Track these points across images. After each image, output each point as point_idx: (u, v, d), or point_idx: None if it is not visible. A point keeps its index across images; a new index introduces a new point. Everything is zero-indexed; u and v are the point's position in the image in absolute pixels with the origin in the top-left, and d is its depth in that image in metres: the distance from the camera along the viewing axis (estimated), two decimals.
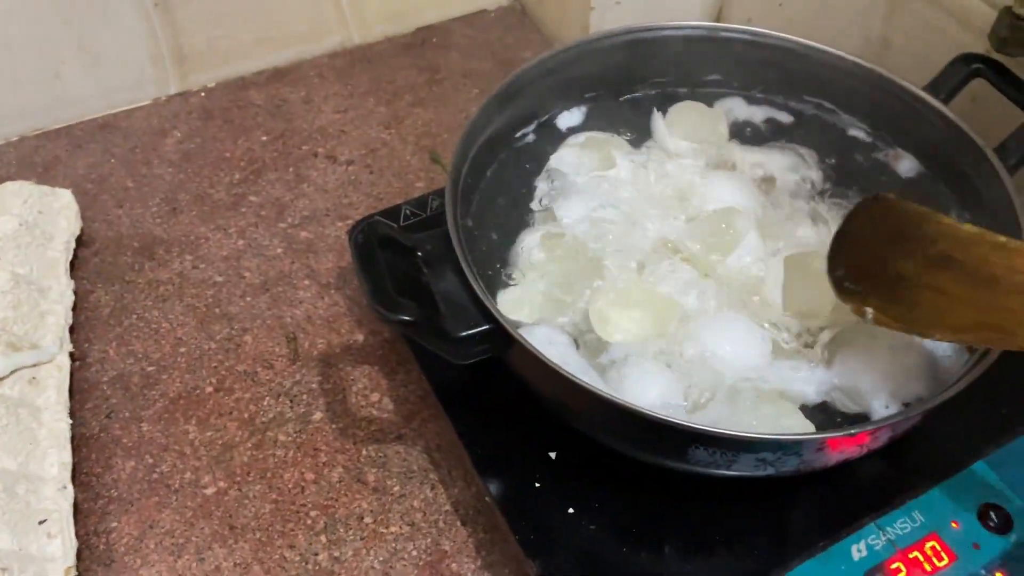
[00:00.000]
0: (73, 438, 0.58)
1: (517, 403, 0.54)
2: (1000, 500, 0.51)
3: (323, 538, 0.56)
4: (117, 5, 0.78)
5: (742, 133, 0.67)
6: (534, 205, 0.62)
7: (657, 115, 0.66)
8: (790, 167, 0.64)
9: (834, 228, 0.60)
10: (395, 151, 0.81)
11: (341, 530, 0.56)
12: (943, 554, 0.49)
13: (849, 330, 0.53)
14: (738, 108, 0.68)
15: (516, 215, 0.61)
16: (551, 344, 0.52)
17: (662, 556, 0.51)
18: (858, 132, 0.66)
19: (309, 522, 0.56)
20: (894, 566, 0.49)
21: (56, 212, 0.71)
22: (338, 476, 0.58)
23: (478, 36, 0.94)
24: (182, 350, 0.65)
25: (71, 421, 0.59)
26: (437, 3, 0.94)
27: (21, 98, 0.79)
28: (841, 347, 0.53)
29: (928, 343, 0.53)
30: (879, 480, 0.53)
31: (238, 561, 0.54)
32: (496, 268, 0.57)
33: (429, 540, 0.56)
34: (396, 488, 0.58)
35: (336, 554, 0.55)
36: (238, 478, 0.58)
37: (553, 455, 0.54)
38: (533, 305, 0.55)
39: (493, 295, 0.55)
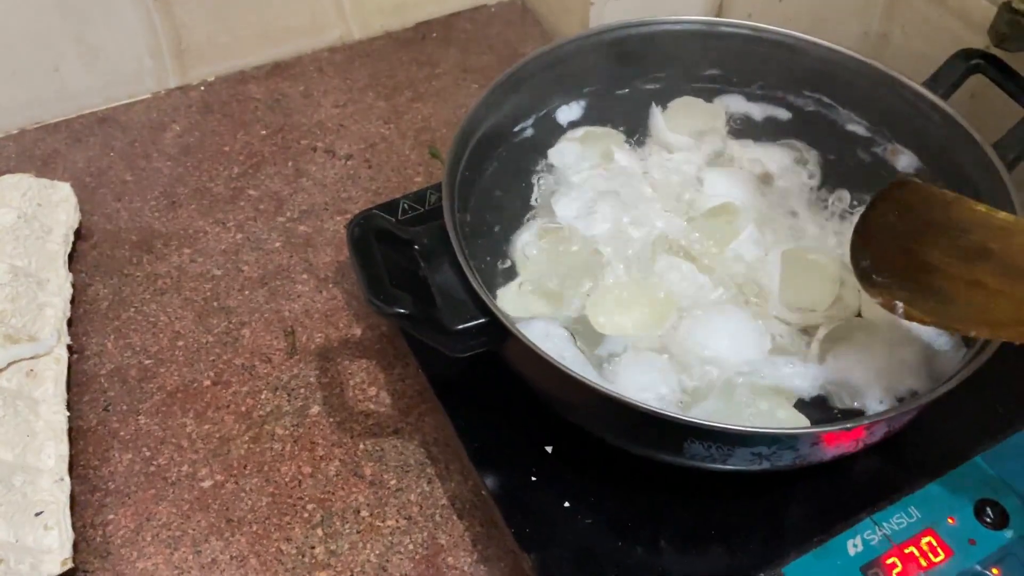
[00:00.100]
0: (70, 430, 0.58)
1: (514, 397, 0.54)
2: (997, 496, 0.51)
3: (319, 531, 0.56)
4: None
5: (741, 128, 0.67)
6: (532, 199, 0.62)
7: (656, 110, 0.66)
8: (789, 162, 0.64)
9: (833, 224, 0.60)
10: (394, 146, 0.81)
11: (338, 523, 0.56)
12: (939, 549, 0.49)
13: (846, 325, 0.53)
14: (737, 103, 0.68)
15: (514, 209, 0.61)
16: (548, 338, 0.52)
17: (658, 550, 0.51)
18: (857, 127, 0.66)
19: (306, 515, 0.56)
20: (890, 561, 0.48)
21: (55, 205, 0.71)
22: (335, 469, 0.58)
23: (478, 31, 0.94)
24: (180, 343, 0.66)
25: (68, 413, 0.59)
26: None
27: (20, 91, 0.79)
28: (838, 342, 0.53)
29: (925, 338, 0.53)
30: (875, 475, 0.53)
31: (234, 554, 0.55)
32: (494, 262, 0.57)
33: (425, 534, 0.56)
34: (393, 482, 0.58)
35: (332, 547, 0.55)
36: (235, 471, 0.58)
37: (549, 449, 0.54)
38: (530, 299, 0.55)
39: (490, 288, 0.55)
